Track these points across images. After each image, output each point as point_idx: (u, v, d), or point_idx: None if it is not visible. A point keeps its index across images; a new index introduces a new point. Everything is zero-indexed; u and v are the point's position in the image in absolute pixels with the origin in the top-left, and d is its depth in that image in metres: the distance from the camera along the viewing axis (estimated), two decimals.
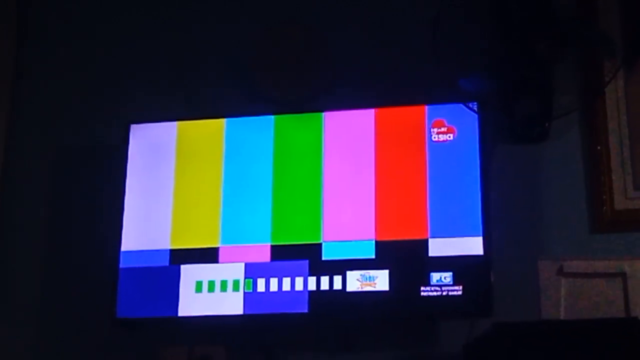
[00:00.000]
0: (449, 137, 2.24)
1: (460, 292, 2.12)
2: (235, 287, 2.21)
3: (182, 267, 2.25)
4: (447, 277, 2.14)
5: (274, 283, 2.21)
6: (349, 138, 2.29)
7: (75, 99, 2.53)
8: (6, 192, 2.49)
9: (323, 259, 2.20)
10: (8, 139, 2.52)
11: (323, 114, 2.31)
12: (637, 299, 1.63)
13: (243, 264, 2.24)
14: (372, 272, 2.17)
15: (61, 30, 2.60)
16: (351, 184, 2.25)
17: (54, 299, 2.39)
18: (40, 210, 2.47)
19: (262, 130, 2.33)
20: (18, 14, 2.60)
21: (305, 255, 2.22)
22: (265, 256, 2.23)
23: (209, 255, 2.25)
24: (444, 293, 2.12)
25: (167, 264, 2.26)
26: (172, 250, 2.27)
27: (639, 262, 1.67)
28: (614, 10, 2.29)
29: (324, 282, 2.19)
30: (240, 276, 2.23)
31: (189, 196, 2.31)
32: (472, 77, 2.21)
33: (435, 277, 2.14)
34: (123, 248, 2.28)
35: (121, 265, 2.26)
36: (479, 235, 2.14)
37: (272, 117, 2.33)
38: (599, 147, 2.24)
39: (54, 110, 2.53)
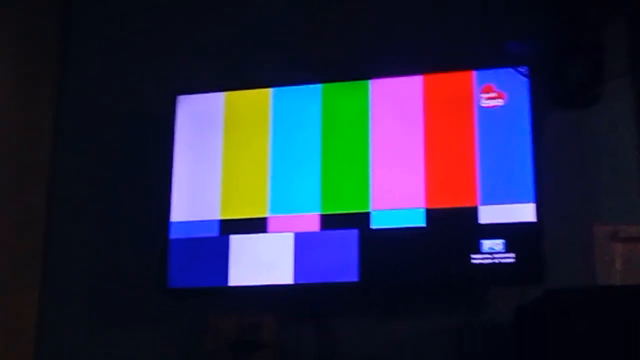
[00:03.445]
0: (499, 102, 2.20)
1: (512, 260, 2.09)
2: (284, 257, 2.22)
3: (232, 237, 2.26)
4: (498, 244, 2.11)
5: (323, 252, 2.21)
6: (396, 105, 2.26)
7: (123, 68, 2.54)
8: (57, 162, 2.51)
9: (372, 227, 2.19)
10: (58, 108, 2.54)
11: (370, 81, 2.29)
12: None
13: (292, 234, 2.23)
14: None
15: (110, 3, 2.60)
16: (399, 152, 2.23)
17: (106, 270, 2.41)
18: (90, 180, 2.49)
19: (309, 99, 2.31)
20: None
21: (354, 224, 2.21)
22: (314, 225, 2.23)
23: (258, 226, 2.26)
24: (496, 261, 2.10)
25: (217, 235, 2.27)
26: (221, 221, 2.28)
27: None
28: None
29: (375, 251, 2.18)
30: (290, 246, 2.23)
31: (237, 166, 2.31)
32: (522, 40, 2.17)
33: (486, 244, 2.12)
34: (173, 219, 2.29)
35: (171, 236, 2.28)
36: (530, 202, 2.11)
37: (319, 85, 2.32)
38: None
39: (102, 81, 2.55)
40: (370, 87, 2.29)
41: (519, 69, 2.18)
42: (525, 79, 2.18)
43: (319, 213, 2.23)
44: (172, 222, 2.29)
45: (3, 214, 2.36)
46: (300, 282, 2.20)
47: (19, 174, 2.43)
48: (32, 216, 2.45)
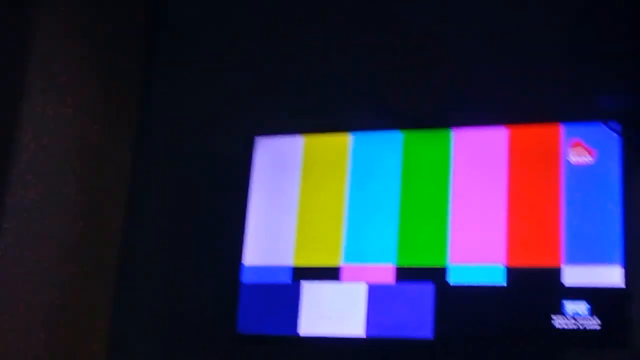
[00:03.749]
0: (588, 159, 2.11)
1: (597, 326, 1.99)
2: (356, 308, 2.16)
3: (304, 284, 2.21)
4: (582, 308, 2.01)
5: (397, 306, 2.14)
6: (479, 156, 2.19)
7: (202, 109, 2.53)
8: (133, 203, 2.51)
9: (449, 282, 2.12)
10: (136, 149, 2.55)
11: (452, 130, 2.23)
12: None
13: (366, 284, 2.17)
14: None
15: (189, 38, 2.60)
16: (480, 205, 2.15)
17: (176, 313, 2.39)
18: (164, 221, 2.48)
19: (389, 145, 2.26)
20: (149, 23, 2.62)
21: (430, 278, 2.14)
22: (389, 277, 2.16)
23: (331, 274, 2.20)
24: (579, 326, 2.00)
25: (290, 281, 2.23)
26: (294, 268, 2.23)
27: None
28: None
29: (451, 307, 2.10)
30: (363, 297, 2.17)
31: (313, 212, 2.26)
32: (613, 94, 2.08)
33: (569, 307, 2.02)
34: (246, 263, 2.26)
35: (243, 281, 2.25)
36: (617, 264, 2.00)
37: (400, 132, 2.26)
38: None
39: (181, 121, 2.54)
40: (452, 136, 2.22)
41: (610, 124, 2.09)
42: (616, 135, 2.08)
43: (394, 265, 2.17)
44: (244, 266, 2.26)
45: (75, 257, 2.36)
46: (372, 335, 2.13)
47: (95, 214, 2.43)
48: (105, 258, 2.45)
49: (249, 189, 2.30)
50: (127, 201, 2.50)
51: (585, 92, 2.11)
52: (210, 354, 2.32)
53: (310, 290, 2.21)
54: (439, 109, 2.33)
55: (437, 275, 2.13)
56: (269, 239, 2.27)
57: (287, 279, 2.23)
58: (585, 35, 2.17)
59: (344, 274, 2.20)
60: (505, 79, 2.30)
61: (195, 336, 2.34)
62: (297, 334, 2.18)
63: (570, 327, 2.00)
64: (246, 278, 2.25)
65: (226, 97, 2.51)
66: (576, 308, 2.01)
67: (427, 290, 2.13)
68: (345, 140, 2.29)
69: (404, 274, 2.16)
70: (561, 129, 2.14)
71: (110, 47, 2.51)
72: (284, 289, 2.22)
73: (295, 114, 2.43)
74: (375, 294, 2.16)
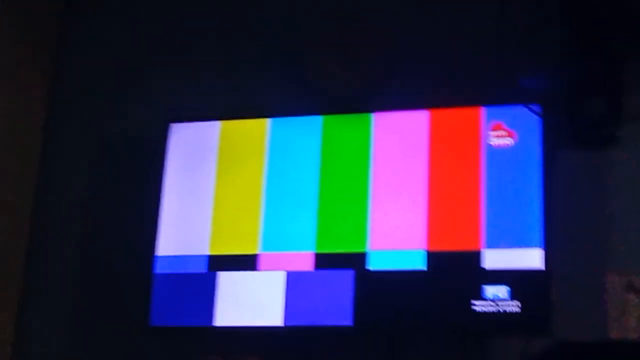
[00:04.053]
0: (509, 141, 2.07)
1: (517, 309, 1.94)
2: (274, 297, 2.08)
3: (220, 274, 2.13)
4: (502, 291, 1.97)
5: (317, 293, 2.07)
6: (400, 141, 2.14)
7: (116, 92, 2.44)
8: (43, 186, 2.40)
9: (369, 268, 2.06)
10: (47, 131, 2.44)
11: (372, 114, 2.17)
12: None
13: (284, 273, 2.10)
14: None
15: (103, 24, 2.51)
16: (401, 190, 2.10)
17: (86, 303, 2.29)
18: (74, 207, 2.38)
19: (308, 131, 2.19)
20: (62, 6, 2.53)
21: (350, 264, 2.07)
22: (308, 265, 2.10)
23: (248, 263, 2.13)
24: (500, 309, 1.96)
25: (205, 271, 2.14)
26: (210, 257, 2.15)
27: None
28: None
29: (371, 293, 2.04)
30: (281, 285, 2.09)
31: (230, 200, 2.18)
32: (535, 76, 2.05)
33: (489, 290, 1.98)
34: (159, 252, 2.17)
35: (156, 271, 2.15)
36: (538, 247, 1.97)
37: (320, 117, 2.20)
38: None
39: (94, 104, 2.45)
40: (373, 120, 2.17)
41: (531, 106, 2.05)
42: (537, 118, 2.05)
43: (314, 252, 2.10)
44: (157, 256, 2.16)
45: None
46: (291, 324, 2.06)
47: (2, 201, 2.31)
48: (12, 246, 2.34)
49: (163, 177, 2.21)
50: (36, 187, 2.39)
51: (506, 75, 2.07)
52: (122, 347, 2.21)
53: (226, 279, 2.12)
54: (359, 93, 2.28)
55: (357, 261, 2.07)
56: (183, 227, 2.18)
57: (202, 268, 2.14)
58: (507, 18, 2.14)
59: (261, 262, 2.12)
60: (426, 62, 2.26)
61: (106, 328, 2.24)
62: (213, 325, 2.09)
63: (491, 310, 1.96)
64: (159, 268, 2.15)
65: (141, 82, 2.42)
66: (496, 291, 1.97)
67: (346, 277, 2.06)
68: (263, 126, 2.22)
69: (323, 261, 2.09)
70: (482, 112, 2.11)
71: (21, 25, 2.40)
72: (199, 279, 2.13)
73: (212, 99, 2.35)
74: (294, 281, 2.09)
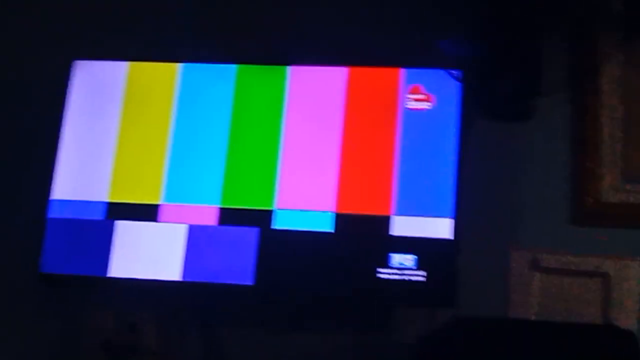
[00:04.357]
0: (426, 105, 2.02)
1: (423, 278, 1.91)
2: (174, 251, 2.00)
3: (118, 222, 2.03)
4: (409, 260, 1.93)
5: (219, 250, 2.00)
6: (315, 97, 2.06)
7: (19, 26, 2.27)
8: None
9: (274, 227, 1.99)
10: None
11: (288, 67, 2.08)
12: (617, 302, 1.43)
13: (186, 226, 2.01)
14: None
15: None
16: (313, 148, 2.03)
17: None
18: None
19: (221, 79, 2.09)
20: None
21: (255, 222, 2.00)
22: (211, 219, 2.01)
23: (149, 213, 2.03)
24: (405, 277, 1.92)
25: (102, 218, 2.03)
26: (109, 204, 2.04)
27: (623, 262, 1.46)
28: None
29: (275, 253, 1.98)
30: (182, 239, 2.01)
31: (134, 145, 2.07)
32: (456, 40, 1.99)
33: (395, 258, 1.93)
34: (54, 196, 2.05)
35: (50, 215, 2.03)
36: (449, 217, 1.93)
37: (234, 66, 2.10)
38: (587, 131, 2.03)
39: None
40: (288, 74, 2.08)
41: (452, 71, 2.00)
42: (457, 83, 2.00)
43: (219, 206, 2.02)
44: (52, 200, 2.04)
45: None
46: (189, 280, 1.98)
47: None
48: None
49: (64, 116, 2.08)
50: None
51: (428, 39, 2.01)
52: (10, 294, 2.10)
53: (124, 229, 2.02)
54: (277, 45, 2.18)
55: (262, 219, 2.00)
56: (82, 171, 2.06)
57: (99, 215, 2.03)
58: None
59: (163, 213, 2.02)
60: (347, 20, 2.17)
61: None
62: (107, 276, 2.00)
63: (396, 278, 1.92)
64: (53, 212, 2.04)
65: (45, 17, 2.26)
66: (403, 260, 1.93)
67: (250, 235, 1.99)
68: (173, 71, 2.11)
69: (228, 216, 2.01)
70: (401, 74, 2.05)
71: None
72: (96, 226, 2.03)
73: (121, 39, 2.21)
74: (196, 236, 2.01)
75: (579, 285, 1.47)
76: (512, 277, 1.53)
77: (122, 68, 2.12)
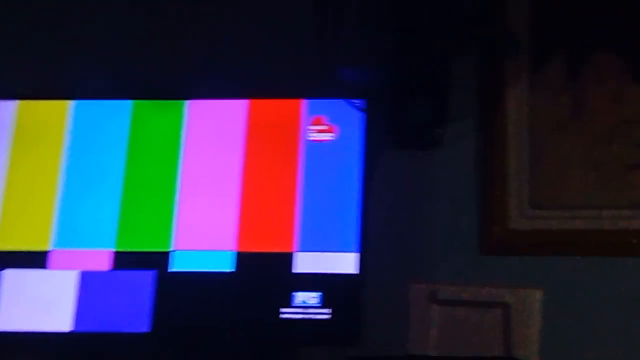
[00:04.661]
0: (329, 136, 1.95)
1: (328, 316, 1.82)
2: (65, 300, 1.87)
3: (5, 272, 1.90)
4: (313, 297, 1.84)
5: (113, 296, 1.88)
6: (214, 132, 1.97)
7: None
8: None
9: (171, 270, 1.88)
10: None
11: (187, 102, 2.00)
12: (518, 333, 1.36)
13: (78, 272, 1.90)
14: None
15: None
16: (212, 185, 1.94)
17: None
18: None
19: (115, 117, 2.00)
20: None
21: (151, 265, 1.89)
22: (105, 264, 1.90)
23: (37, 260, 1.91)
24: (309, 316, 1.82)
25: None
26: None
27: (524, 292, 1.40)
28: (524, 8, 2.03)
29: (172, 297, 1.87)
30: (74, 286, 1.89)
31: (22, 189, 1.96)
32: (359, 69, 1.93)
33: (299, 297, 1.84)
34: None
35: None
36: (354, 252, 1.85)
37: (129, 102, 2.01)
38: (494, 158, 1.97)
39: None
40: (187, 108, 2.00)
41: (355, 101, 1.94)
42: (360, 113, 1.94)
43: (113, 250, 1.91)
44: None
45: None
46: (80, 330, 1.85)
47: None
48: None
49: None
50: None
51: (330, 68, 1.95)
52: None
53: (12, 278, 1.90)
54: (175, 79, 2.09)
55: (159, 261, 1.89)
56: None
57: None
58: (332, 11, 2.02)
59: (53, 260, 1.90)
60: (246, 51, 2.10)
61: None
62: None
63: (300, 318, 1.82)
64: None
65: None
66: (307, 297, 1.84)
67: (146, 279, 1.88)
68: (65, 109, 2.01)
69: (123, 260, 1.90)
70: (303, 105, 1.98)
71: None
72: None
73: (10, 76, 2.11)
74: (88, 282, 1.89)
75: (479, 317, 1.40)
76: (412, 311, 1.46)
77: (10, 107, 2.01)
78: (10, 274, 1.90)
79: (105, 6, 2.16)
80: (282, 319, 1.82)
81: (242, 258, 1.88)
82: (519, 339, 1.39)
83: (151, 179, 1.95)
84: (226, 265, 1.87)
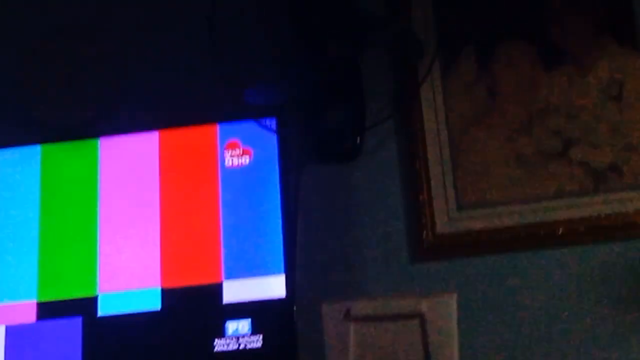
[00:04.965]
0: (245, 160, 1.91)
1: (259, 344, 1.78)
2: None
3: None
4: (244, 325, 1.80)
5: (41, 347, 1.83)
6: (129, 167, 1.93)
7: None
8: None
9: (99, 315, 1.83)
10: None
11: (99, 140, 1.95)
12: (435, 343, 1.32)
13: (2, 327, 1.84)
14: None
15: None
16: (132, 222, 1.89)
17: None
18: None
19: (25, 163, 1.95)
20: None
21: (78, 311, 1.84)
22: (29, 316, 1.85)
23: None
24: (241, 346, 1.79)
25: None
26: None
27: (436, 299, 1.37)
28: (428, 7, 2.01)
29: (101, 341, 1.82)
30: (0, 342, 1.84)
31: None
32: (266, 87, 1.89)
33: (231, 327, 1.80)
34: None
35: None
36: (280, 274, 1.81)
37: (39, 146, 1.96)
38: (415, 162, 1.94)
39: None
40: (99, 147, 1.95)
41: (265, 121, 1.90)
42: (272, 133, 1.90)
43: (35, 301, 1.86)
44: None
45: None
46: None
47: None
48: None
49: None
50: None
51: (239, 90, 1.90)
52: None
53: None
54: (84, 117, 2.04)
55: (85, 307, 1.84)
56: None
57: None
58: (233, 32, 1.98)
59: None
60: (154, 82, 2.06)
61: None
62: None
63: (231, 348, 1.78)
64: None
65: None
66: (237, 326, 1.80)
67: (73, 326, 1.83)
68: None
69: (48, 310, 1.85)
70: (216, 130, 1.94)
71: None
72: None
73: None
74: (14, 337, 1.84)
75: (396, 329, 1.37)
76: (327, 333, 1.42)
77: None
78: None
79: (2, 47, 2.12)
80: (213, 350, 1.78)
81: (169, 294, 1.83)
82: (437, 347, 1.36)
83: (69, 223, 1.90)
84: (154, 303, 1.83)
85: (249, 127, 1.92)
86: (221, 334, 1.79)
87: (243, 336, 1.79)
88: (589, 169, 1.87)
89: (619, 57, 1.91)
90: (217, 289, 1.83)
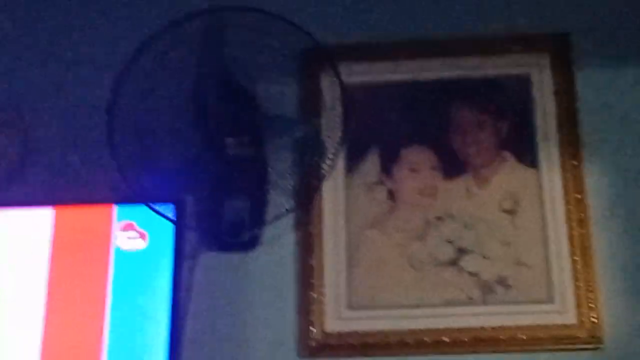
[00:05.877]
0: (140, 244, 1.88)
1: None
2: None
3: None
4: None
5: None
6: (20, 245, 1.88)
7: None
8: None
9: None
10: None
11: None
12: None
13: None
14: None
15: None
16: (15, 307, 1.83)
17: None
18: None
19: None
20: None
21: None
22: None
23: None
24: None
25: None
26: None
27: None
28: (337, 108, 2.01)
29: None
30: None
31: None
32: (159, 175, 1.87)
33: None
34: None
35: None
36: None
37: None
38: (310, 258, 1.95)
39: None
40: None
41: (160, 206, 1.87)
42: (167, 219, 1.87)
43: None
44: None
45: None
46: None
47: None
48: None
49: None
50: None
51: (137, 173, 1.87)
52: None
53: None
54: None
55: None
56: None
57: None
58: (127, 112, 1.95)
59: None
60: (54, 159, 2.02)
61: None
62: None
63: None
64: None
65: None
66: None
67: None
68: None
69: None
70: (112, 211, 1.91)
71: None
72: None
73: None
74: None
75: None
76: None
77: None
78: None
79: None
80: None
81: None
82: None
83: None
84: None
85: (144, 210, 1.90)
86: None
87: None
88: (478, 280, 1.91)
89: (516, 172, 1.96)
90: None
